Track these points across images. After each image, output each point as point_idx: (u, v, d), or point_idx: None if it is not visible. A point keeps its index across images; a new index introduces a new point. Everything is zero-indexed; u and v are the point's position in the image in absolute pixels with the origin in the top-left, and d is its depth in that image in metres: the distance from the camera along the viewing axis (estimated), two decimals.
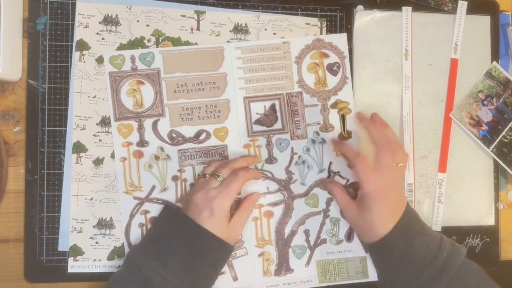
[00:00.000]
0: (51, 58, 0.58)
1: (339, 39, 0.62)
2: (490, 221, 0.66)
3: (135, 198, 0.59)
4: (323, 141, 0.61)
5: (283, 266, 0.60)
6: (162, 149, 0.59)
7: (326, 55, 0.62)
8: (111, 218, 0.58)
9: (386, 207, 0.53)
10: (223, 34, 0.60)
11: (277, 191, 0.61)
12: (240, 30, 0.60)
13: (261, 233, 0.60)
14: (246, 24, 0.61)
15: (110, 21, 0.59)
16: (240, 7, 0.61)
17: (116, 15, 0.59)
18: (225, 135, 0.60)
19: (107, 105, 0.58)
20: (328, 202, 0.61)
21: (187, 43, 0.59)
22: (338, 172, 0.61)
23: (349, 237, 0.61)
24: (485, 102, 0.65)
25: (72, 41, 0.58)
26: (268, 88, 0.61)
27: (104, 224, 0.58)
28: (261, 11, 0.61)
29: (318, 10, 0.63)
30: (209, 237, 0.51)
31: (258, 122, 0.61)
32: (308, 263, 0.61)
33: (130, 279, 0.50)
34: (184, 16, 0.60)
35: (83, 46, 0.58)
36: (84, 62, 0.58)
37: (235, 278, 0.60)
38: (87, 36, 0.58)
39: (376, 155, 0.55)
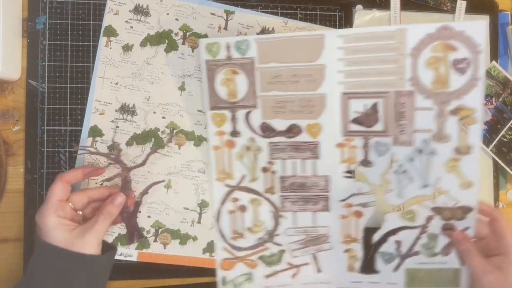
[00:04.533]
0: (50, 57, 0.58)
1: (476, 28, 0.48)
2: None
3: (226, 185, 0.61)
4: (433, 153, 0.52)
5: (367, 267, 0.59)
6: (253, 140, 0.58)
7: (453, 48, 0.49)
8: None
9: None
10: (249, 36, 0.58)
11: (370, 194, 0.56)
12: (267, 34, 0.60)
13: (347, 230, 0.58)
14: (273, 28, 0.61)
15: (140, 10, 0.59)
16: (239, 6, 0.60)
17: (147, 6, 0.59)
18: (318, 132, 0.56)
19: (128, 93, 0.59)
20: (429, 220, 0.55)
21: None
22: (448, 191, 0.53)
23: (446, 252, 0.55)
24: (484, 102, 0.63)
25: (71, 41, 0.58)
26: (372, 84, 0.52)
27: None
28: (265, 10, 0.61)
29: (318, 10, 0.62)
30: (65, 254, 0.48)
31: (356, 121, 0.54)
32: (396, 269, 0.58)
33: None
34: (214, 14, 0.60)
35: (111, 32, 0.59)
36: (111, 48, 0.59)
37: (319, 270, 0.61)
38: (116, 23, 0.58)
39: None
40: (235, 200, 0.61)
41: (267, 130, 0.57)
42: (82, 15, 0.60)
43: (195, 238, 0.62)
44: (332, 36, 0.52)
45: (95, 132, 0.60)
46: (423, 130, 0.52)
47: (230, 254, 0.62)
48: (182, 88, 0.60)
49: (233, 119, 0.58)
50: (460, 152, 0.52)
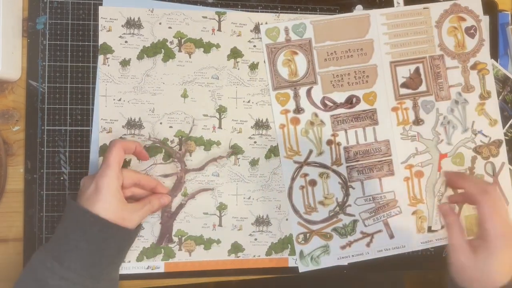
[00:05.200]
0: (50, 57, 0.58)
1: (474, 3, 0.64)
2: None
3: (295, 162, 0.61)
4: (466, 101, 0.64)
5: (434, 222, 0.63)
6: (316, 115, 0.62)
7: (463, 19, 0.64)
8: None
9: (510, 255, 0.47)
10: (244, 34, 0.61)
11: (425, 152, 0.63)
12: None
13: (412, 192, 0.63)
14: (266, 23, 0.61)
15: (132, 24, 0.59)
16: (239, 6, 0.61)
17: (139, 18, 0.59)
18: (374, 99, 0.63)
19: (132, 107, 0.59)
20: (473, 160, 0.64)
21: (209, 44, 0.60)
22: (481, 131, 0.64)
23: None
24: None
25: (71, 41, 0.59)
26: (412, 52, 0.63)
27: None
28: (265, 10, 0.62)
29: (318, 10, 0.63)
30: (103, 224, 0.49)
31: (404, 85, 0.63)
32: None
33: (24, 285, 0.48)
34: (206, 17, 0.61)
35: (106, 49, 0.59)
36: (108, 65, 0.59)
37: (392, 236, 0.62)
38: (110, 39, 0.59)
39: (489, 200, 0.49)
40: (305, 175, 0.61)
41: (328, 104, 0.62)
42: (82, 15, 0.59)
43: (218, 242, 0.60)
44: (376, 15, 0.62)
45: (105, 151, 0.57)
46: (455, 84, 0.64)
47: (305, 228, 0.61)
48: (184, 95, 0.60)
49: (296, 96, 0.62)
50: (483, 98, 0.64)
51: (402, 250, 0.63)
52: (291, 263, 0.61)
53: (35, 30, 0.59)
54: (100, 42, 0.59)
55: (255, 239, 0.61)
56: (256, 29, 0.61)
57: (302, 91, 0.62)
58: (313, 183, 0.61)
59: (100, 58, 0.59)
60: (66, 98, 0.59)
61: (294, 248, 0.61)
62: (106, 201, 0.49)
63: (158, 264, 0.59)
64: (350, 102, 0.62)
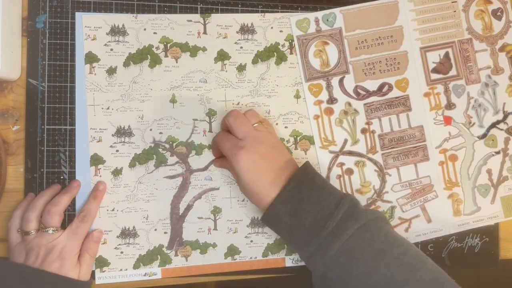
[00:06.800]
0: (50, 56, 0.58)
1: None
2: (489, 220, 0.65)
3: (330, 152, 0.62)
4: (496, 83, 0.64)
5: (470, 205, 0.63)
6: (349, 104, 0.62)
7: (490, 2, 0.64)
8: (134, 227, 0.59)
9: (258, 178, 0.51)
10: (230, 35, 0.60)
11: (458, 136, 0.64)
12: (246, 30, 0.61)
13: (448, 176, 0.63)
14: (252, 23, 0.61)
15: (117, 31, 0.59)
16: (239, 5, 0.61)
17: (123, 25, 0.59)
18: (406, 86, 0.63)
19: (121, 116, 0.59)
20: (506, 141, 0.64)
21: (195, 47, 0.60)
22: None
23: None
24: None
25: (71, 40, 0.58)
26: (441, 37, 0.63)
27: (127, 234, 0.59)
28: (266, 10, 0.61)
29: (318, 9, 0.63)
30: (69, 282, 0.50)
31: (434, 70, 0.63)
32: (493, 200, 0.64)
33: None
34: (190, 20, 0.60)
35: (92, 58, 0.58)
36: (95, 74, 0.58)
37: (429, 220, 0.63)
38: (95, 48, 0.58)
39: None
40: (341, 164, 0.62)
41: (360, 92, 0.62)
42: None
43: (214, 245, 0.60)
44: (404, 1, 0.63)
45: (97, 160, 0.58)
46: (484, 67, 0.64)
47: None
48: (173, 100, 0.60)
49: (328, 87, 0.62)
50: None
51: (439, 234, 0.63)
52: (288, 263, 0.61)
53: (35, 29, 0.58)
54: (85, 51, 0.58)
55: (251, 241, 0.60)
56: (242, 29, 0.61)
57: (335, 81, 0.62)
58: (349, 172, 0.62)
59: (86, 67, 0.58)
60: (66, 97, 0.58)
61: (290, 248, 0.61)
62: (69, 269, 0.51)
63: (155, 271, 0.59)
64: (383, 89, 0.62)
